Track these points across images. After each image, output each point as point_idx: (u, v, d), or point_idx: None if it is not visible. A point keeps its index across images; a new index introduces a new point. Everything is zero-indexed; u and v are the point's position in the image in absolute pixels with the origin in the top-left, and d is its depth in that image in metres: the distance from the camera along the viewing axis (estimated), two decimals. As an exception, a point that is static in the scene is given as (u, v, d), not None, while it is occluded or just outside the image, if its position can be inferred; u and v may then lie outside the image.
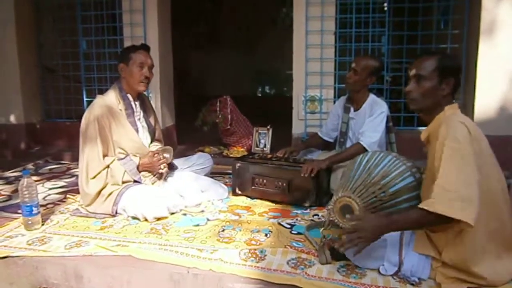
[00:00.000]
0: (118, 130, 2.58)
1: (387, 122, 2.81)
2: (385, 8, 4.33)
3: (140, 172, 2.63)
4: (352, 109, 2.96)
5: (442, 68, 1.70)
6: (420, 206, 1.58)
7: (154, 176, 2.69)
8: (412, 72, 1.75)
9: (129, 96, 2.68)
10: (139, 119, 2.76)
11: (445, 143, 1.58)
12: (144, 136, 2.79)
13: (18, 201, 2.46)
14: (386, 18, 3.91)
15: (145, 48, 2.71)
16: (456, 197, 1.51)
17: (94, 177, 2.52)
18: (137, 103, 2.74)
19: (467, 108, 3.66)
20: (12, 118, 4.56)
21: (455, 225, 1.53)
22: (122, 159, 2.59)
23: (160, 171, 2.67)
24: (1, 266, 2.07)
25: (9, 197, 3.05)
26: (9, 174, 3.76)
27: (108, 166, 2.54)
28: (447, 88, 1.71)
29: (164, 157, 2.69)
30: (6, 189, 3.25)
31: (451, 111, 1.71)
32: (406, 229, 1.74)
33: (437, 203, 1.54)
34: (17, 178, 3.52)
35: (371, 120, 2.77)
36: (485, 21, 3.45)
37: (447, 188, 1.54)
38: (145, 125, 2.81)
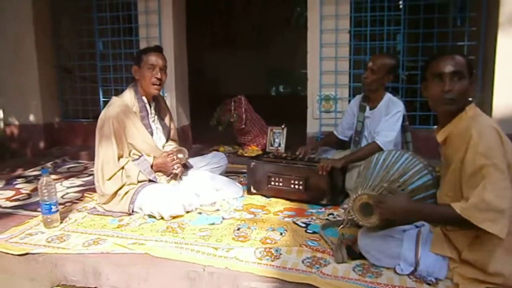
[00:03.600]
0: (132, 131, 2.61)
1: (403, 121, 2.79)
2: (400, 6, 4.29)
3: (154, 172, 2.66)
4: (368, 108, 2.94)
5: (470, 66, 1.68)
6: (453, 206, 1.56)
7: (168, 176, 2.71)
8: (449, 68, 1.64)
9: (144, 98, 2.70)
10: (154, 121, 2.78)
11: (479, 151, 1.53)
12: (158, 137, 2.81)
13: (37, 199, 2.51)
14: (401, 16, 3.86)
15: (158, 49, 2.71)
16: (490, 208, 1.50)
17: (110, 178, 2.55)
18: (152, 105, 2.76)
19: (485, 106, 3.60)
20: (31, 118, 4.65)
21: (483, 232, 1.52)
22: (136, 159, 2.62)
23: (174, 171, 2.68)
24: (22, 263, 2.12)
25: (29, 196, 3.11)
26: (29, 173, 3.84)
27: (123, 168, 2.57)
28: (471, 87, 1.68)
29: (178, 158, 2.70)
30: (26, 188, 3.32)
31: (472, 111, 1.67)
32: (430, 221, 1.73)
33: (469, 209, 1.52)
34: (36, 177, 3.59)
35: (387, 119, 2.75)
36: (503, 16, 3.39)
37: (484, 197, 1.51)
38: (160, 127, 2.83)
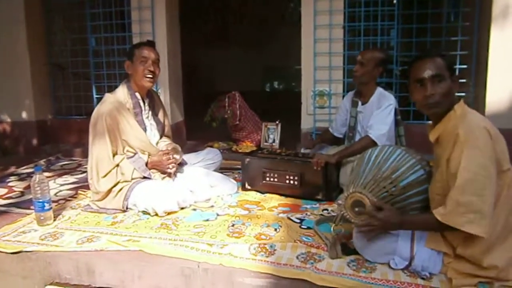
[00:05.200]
0: (126, 128, 2.59)
1: (395, 115, 2.79)
2: (394, 1, 4.29)
3: (149, 169, 2.64)
4: (359, 102, 2.94)
5: (450, 65, 1.68)
6: (434, 213, 1.59)
7: (162, 173, 2.70)
8: (428, 73, 1.64)
9: (137, 94, 2.68)
10: (148, 117, 2.76)
11: (464, 151, 1.53)
12: (152, 134, 2.79)
13: (30, 197, 2.49)
14: (395, 11, 3.87)
15: (150, 44, 2.69)
16: (468, 210, 1.51)
17: (104, 176, 2.54)
18: (146, 101, 2.74)
19: (478, 101, 3.62)
20: (24, 115, 4.61)
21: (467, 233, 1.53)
22: (131, 157, 2.61)
23: (168, 170, 2.67)
24: (15, 261, 2.11)
25: (22, 193, 3.09)
26: (22, 170, 3.81)
27: (117, 165, 2.56)
28: (455, 85, 1.68)
29: (173, 158, 2.69)
30: (19, 185, 3.30)
31: (460, 109, 1.67)
32: (419, 230, 1.75)
33: (448, 215, 1.55)
34: (29, 175, 3.57)
35: (379, 113, 2.75)
36: (496, 11, 3.40)
37: (460, 200, 1.52)
38: (154, 123, 2.81)
